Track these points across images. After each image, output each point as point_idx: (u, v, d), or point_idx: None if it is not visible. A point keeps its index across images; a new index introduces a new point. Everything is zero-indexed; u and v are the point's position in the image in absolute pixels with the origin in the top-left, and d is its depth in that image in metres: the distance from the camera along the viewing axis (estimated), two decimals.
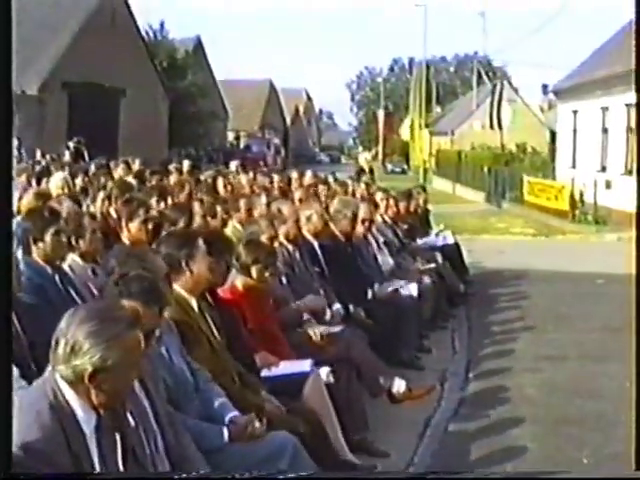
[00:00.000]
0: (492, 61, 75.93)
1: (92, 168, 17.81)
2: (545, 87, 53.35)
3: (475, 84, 59.02)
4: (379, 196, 12.41)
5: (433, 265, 11.58)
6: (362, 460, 6.44)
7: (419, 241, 13.13)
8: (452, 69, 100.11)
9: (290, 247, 7.93)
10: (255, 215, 8.71)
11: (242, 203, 9.48)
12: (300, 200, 10.69)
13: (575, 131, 29.89)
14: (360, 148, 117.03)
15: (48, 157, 21.59)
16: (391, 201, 12.09)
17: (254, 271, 6.47)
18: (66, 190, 10.50)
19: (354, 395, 6.66)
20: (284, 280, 7.40)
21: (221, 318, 5.82)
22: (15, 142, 24.25)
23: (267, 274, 6.54)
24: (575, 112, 29.81)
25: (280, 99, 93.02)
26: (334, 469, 5.42)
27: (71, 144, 26.20)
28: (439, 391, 8.50)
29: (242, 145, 61.63)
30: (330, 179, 17.47)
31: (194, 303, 5.23)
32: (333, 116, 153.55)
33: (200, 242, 5.31)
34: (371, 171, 28.11)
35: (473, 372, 9.10)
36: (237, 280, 6.51)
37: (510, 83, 58.86)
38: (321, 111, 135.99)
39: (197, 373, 4.83)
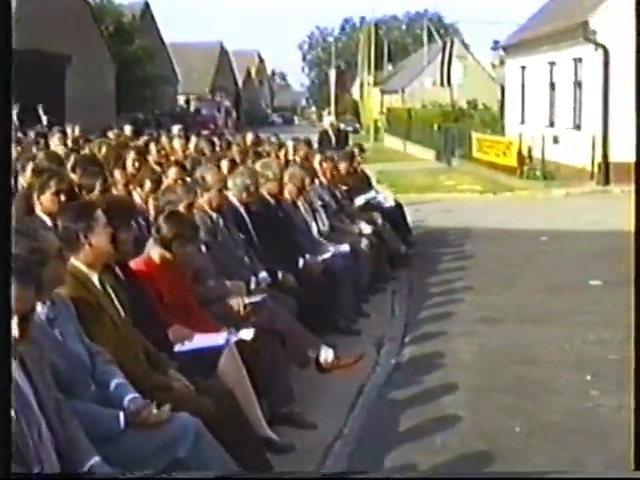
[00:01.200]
0: (444, 18, 75.66)
1: (31, 136, 17.43)
2: (496, 43, 53.13)
3: (426, 41, 58.73)
4: (317, 158, 12.15)
5: (370, 227, 11.30)
6: (289, 433, 6.29)
7: (358, 200, 12.85)
8: (403, 27, 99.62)
9: (214, 215, 7.64)
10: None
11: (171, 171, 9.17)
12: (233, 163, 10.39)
13: (523, 87, 29.69)
14: (313, 108, 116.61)
15: None
16: (329, 163, 11.79)
17: (175, 246, 6.17)
18: None
19: (279, 366, 6.42)
20: (203, 249, 7.09)
21: (131, 292, 5.55)
22: None
23: (188, 249, 6.25)
24: (523, 68, 29.59)
25: (232, 61, 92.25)
26: (249, 447, 5.15)
27: (14, 111, 25.55)
28: (375, 357, 8.34)
29: (192, 109, 60.89)
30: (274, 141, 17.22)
31: (95, 278, 4.92)
32: (286, 77, 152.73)
33: (99, 213, 4.99)
34: (339, 136, 20.92)
35: (409, 336, 8.90)
36: (153, 252, 6.23)
37: (462, 40, 58.68)
38: (274, 72, 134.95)
39: (95, 355, 4.55)
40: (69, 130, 18.56)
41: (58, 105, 34.60)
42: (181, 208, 6.79)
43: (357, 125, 72.60)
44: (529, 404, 6.68)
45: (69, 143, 14.92)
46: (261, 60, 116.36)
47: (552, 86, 27.08)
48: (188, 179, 8.73)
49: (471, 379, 7.38)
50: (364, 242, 10.77)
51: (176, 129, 19.51)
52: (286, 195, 9.60)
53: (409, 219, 16.81)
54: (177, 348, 5.65)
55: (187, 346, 5.69)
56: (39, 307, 4.27)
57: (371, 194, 13.31)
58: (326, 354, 7.19)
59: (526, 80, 29.45)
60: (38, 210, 7.02)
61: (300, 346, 6.96)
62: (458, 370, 7.66)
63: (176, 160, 11.02)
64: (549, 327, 8.91)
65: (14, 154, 11.60)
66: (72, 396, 4.25)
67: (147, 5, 56.70)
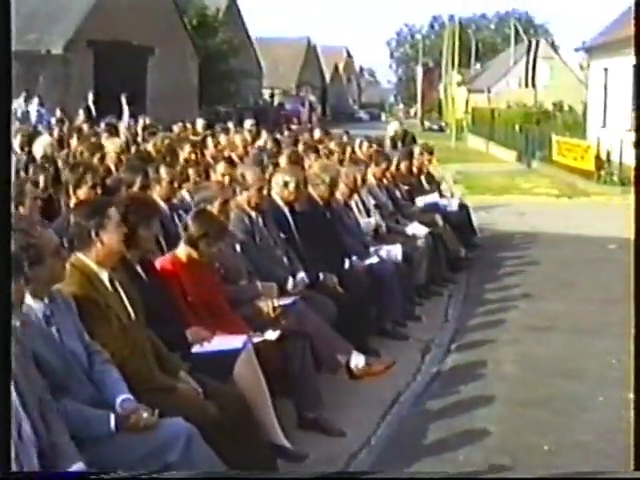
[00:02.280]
0: (533, 18, 74.62)
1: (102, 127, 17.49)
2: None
3: (513, 41, 57.98)
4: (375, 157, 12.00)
5: (426, 229, 11.07)
6: (317, 439, 6.16)
7: (420, 202, 12.62)
8: (492, 26, 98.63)
9: (252, 213, 7.53)
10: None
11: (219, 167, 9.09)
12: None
13: (606, 89, 29.08)
14: (401, 105, 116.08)
15: (58, 115, 21.25)
16: (384, 162, 11.59)
17: (201, 245, 6.09)
18: (49, 153, 10.19)
19: (307, 370, 6.29)
20: (238, 248, 6.99)
21: (152, 290, 5.50)
22: (36, 100, 24.05)
23: (215, 249, 6.15)
24: (606, 70, 28.98)
25: (319, 57, 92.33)
26: (256, 452, 5.05)
27: (90, 100, 25.87)
28: (418, 364, 8.17)
29: (276, 103, 60.99)
30: (345, 139, 17.07)
31: (104, 276, 4.85)
32: (375, 73, 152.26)
33: (112, 211, 4.91)
34: (405, 141, 18.73)
35: (456, 344, 8.71)
36: (180, 250, 6.16)
37: (552, 41, 57.83)
38: (362, 69, 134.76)
39: (93, 353, 4.49)
40: (141, 121, 18.72)
41: (140, 97, 34.88)
42: (215, 206, 6.70)
43: (442, 124, 72.14)
44: (562, 421, 6.45)
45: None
46: (349, 56, 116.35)
47: (635, 90, 26.42)
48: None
49: (508, 391, 7.17)
50: (419, 244, 10.59)
51: (248, 123, 19.40)
52: (338, 195, 9.45)
53: (480, 221, 16.63)
54: (195, 349, 5.56)
55: (205, 348, 5.59)
56: (35, 304, 4.23)
57: (432, 198, 12.93)
58: (357, 360, 6.99)
59: (609, 83, 28.83)
60: (72, 204, 7.02)
61: (330, 351, 6.80)
62: (497, 381, 7.45)
63: (225, 156, 10.91)
64: (599, 339, 8.62)
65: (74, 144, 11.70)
66: (67, 394, 4.22)
67: None
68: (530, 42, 39.27)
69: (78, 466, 3.80)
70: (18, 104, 22.67)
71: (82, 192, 6.97)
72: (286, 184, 8.12)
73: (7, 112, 3.61)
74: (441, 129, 69.46)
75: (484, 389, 7.20)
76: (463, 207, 14.15)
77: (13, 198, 6.11)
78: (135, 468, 4.07)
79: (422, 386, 7.45)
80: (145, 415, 4.22)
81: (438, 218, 12.08)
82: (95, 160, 8.64)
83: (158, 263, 6.00)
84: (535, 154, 31.41)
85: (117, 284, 4.92)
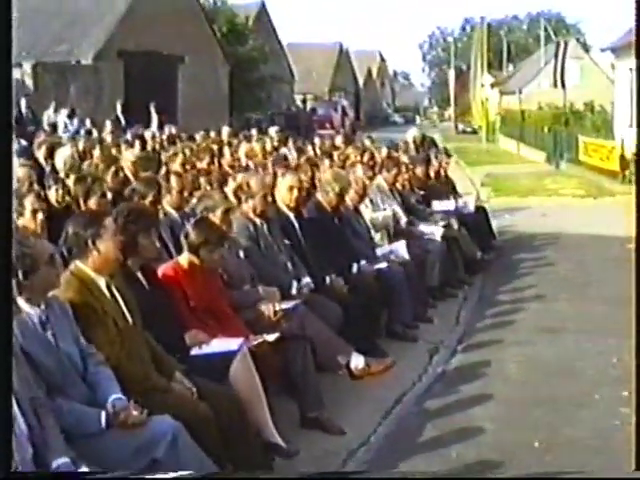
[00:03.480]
0: (565, 18, 74.33)
1: (128, 137, 17.77)
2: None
3: (543, 42, 57.86)
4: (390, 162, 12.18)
5: (440, 232, 11.22)
6: (318, 438, 6.37)
7: (435, 206, 12.75)
8: (524, 27, 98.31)
9: (257, 221, 7.75)
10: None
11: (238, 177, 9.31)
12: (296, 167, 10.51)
13: (632, 89, 29.00)
14: (435, 108, 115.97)
15: (88, 125, 21.60)
16: (395, 168, 11.74)
17: (202, 251, 6.34)
18: (68, 165, 10.38)
19: (309, 371, 6.52)
20: (241, 255, 7.21)
21: (152, 296, 5.75)
22: (66, 111, 24.41)
23: (215, 256, 6.38)
24: (631, 70, 28.91)
25: (352, 62, 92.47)
26: (250, 450, 5.29)
27: (119, 110, 26.18)
28: (425, 365, 8.34)
29: (308, 108, 61.20)
30: (368, 143, 17.28)
31: (102, 283, 5.10)
32: (409, 77, 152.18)
33: (108, 221, 5.17)
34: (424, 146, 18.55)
35: (463, 344, 8.88)
36: (182, 257, 6.40)
37: (584, 41, 57.58)
38: (395, 72, 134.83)
39: (88, 356, 4.75)
40: (166, 130, 18.99)
41: (171, 105, 35.23)
42: (218, 214, 6.93)
43: (476, 126, 71.90)
44: (556, 419, 6.59)
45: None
46: (382, 60, 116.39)
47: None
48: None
49: (508, 391, 7.33)
50: (431, 247, 10.75)
51: (273, 131, 19.63)
52: (347, 201, 9.64)
53: (503, 223, 16.80)
54: (194, 352, 5.78)
55: (203, 350, 5.81)
56: (31, 310, 4.48)
57: (446, 205, 13.03)
58: (356, 361, 7.22)
59: (635, 83, 28.76)
60: None
61: (330, 352, 7.03)
62: (499, 381, 7.61)
63: (241, 164, 11.15)
64: (605, 339, 8.73)
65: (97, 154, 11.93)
66: (62, 394, 4.48)
67: (263, 5, 57.22)
68: (558, 42, 39.14)
69: (64, 460, 4.05)
70: (47, 115, 23.01)
71: (92, 202, 7.21)
72: (290, 189, 8.33)
73: (7, 113, 3.77)
74: (474, 131, 69.23)
75: (484, 389, 7.35)
76: (480, 209, 14.31)
77: (14, 209, 6.37)
78: (124, 463, 4.34)
79: (425, 387, 7.63)
80: (134, 413, 4.47)
81: (453, 221, 12.23)
82: (110, 172, 8.83)
83: (161, 270, 6.25)
84: (563, 155, 31.42)
85: (114, 290, 5.16)
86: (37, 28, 31.61)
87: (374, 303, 8.53)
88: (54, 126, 20.78)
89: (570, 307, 10.28)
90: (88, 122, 23.79)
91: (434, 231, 11.18)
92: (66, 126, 23.38)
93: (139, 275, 5.83)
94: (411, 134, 18.85)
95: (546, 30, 58.16)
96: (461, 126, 73.65)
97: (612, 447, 5.97)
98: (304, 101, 62.81)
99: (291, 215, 8.39)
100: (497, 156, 38.84)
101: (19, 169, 8.13)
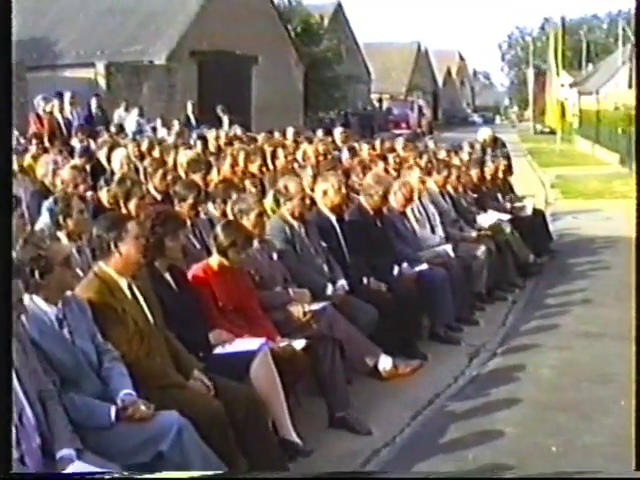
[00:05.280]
0: None
1: (194, 137, 18.00)
2: None
3: (621, 41, 57.07)
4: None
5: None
6: (345, 437, 6.51)
7: (490, 211, 12.72)
8: (604, 26, 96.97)
9: (295, 223, 7.91)
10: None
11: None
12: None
13: None
14: (515, 107, 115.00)
15: (159, 126, 21.87)
16: (445, 170, 11.79)
17: (231, 253, 6.54)
18: (125, 168, 10.57)
19: (337, 371, 6.67)
20: (275, 257, 7.38)
21: (180, 296, 5.97)
22: (137, 111, 24.78)
23: (243, 256, 6.57)
24: None
25: (431, 61, 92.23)
26: (267, 449, 5.45)
27: (189, 110, 26.40)
28: (463, 367, 8.41)
29: (384, 108, 61.12)
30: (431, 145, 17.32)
31: (123, 283, 5.34)
32: (490, 76, 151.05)
33: (131, 225, 5.41)
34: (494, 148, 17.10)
35: (503, 348, 8.93)
36: (212, 259, 6.60)
37: None
38: (475, 72, 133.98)
39: (103, 353, 4.99)
40: (231, 132, 19.19)
41: (244, 105, 35.50)
42: (251, 217, 7.11)
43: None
44: (578, 424, 6.64)
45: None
46: (462, 59, 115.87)
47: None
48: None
49: (537, 395, 7.38)
50: (481, 250, 10.78)
51: (337, 132, 19.66)
52: (393, 204, 9.74)
53: (565, 226, 16.76)
54: (217, 350, 5.97)
55: (226, 349, 6.00)
56: (49, 308, 4.72)
57: (494, 216, 12.49)
58: (384, 363, 7.36)
59: None
60: None
61: (358, 354, 7.18)
62: (530, 385, 7.66)
63: (292, 167, 11.31)
64: None
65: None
66: (76, 388, 4.74)
67: (340, 6, 57.33)
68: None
69: (67, 451, 4.29)
70: (118, 114, 23.38)
71: (132, 204, 7.45)
72: (325, 192, 8.48)
73: (7, 113, 3.93)
74: (552, 132, 68.46)
75: (514, 393, 7.41)
76: (538, 212, 14.30)
77: (60, 211, 6.63)
78: (133, 455, 4.60)
79: (458, 389, 7.71)
80: (142, 408, 4.70)
81: (505, 225, 12.24)
82: (158, 174, 9.04)
83: (192, 271, 6.47)
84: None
85: (136, 291, 5.38)
86: (110, 28, 32.22)
87: (413, 305, 8.62)
88: (121, 126, 21.11)
89: (614, 312, 10.17)
90: (158, 122, 24.07)
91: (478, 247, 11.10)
92: (139, 125, 23.76)
93: (167, 276, 6.04)
94: (482, 134, 18.69)
95: (624, 30, 57.30)
96: (539, 126, 73.01)
97: (628, 454, 6.01)
98: (380, 100, 62.64)
99: (332, 218, 8.54)
100: (571, 157, 38.48)
101: (63, 171, 8.38)
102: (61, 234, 6.66)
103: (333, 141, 16.39)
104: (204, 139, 15.86)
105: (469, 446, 6.20)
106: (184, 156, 11.03)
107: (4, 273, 3.85)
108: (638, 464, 3.50)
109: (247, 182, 9.32)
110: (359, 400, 7.01)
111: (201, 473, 4.58)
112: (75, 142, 15.52)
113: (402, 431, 6.73)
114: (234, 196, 7.56)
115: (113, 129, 18.24)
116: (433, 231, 10.58)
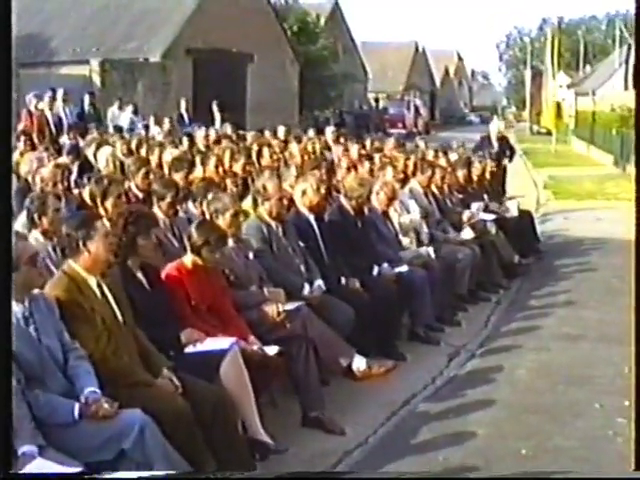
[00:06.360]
0: None
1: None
2: None
3: (618, 42, 57.11)
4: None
5: (472, 236, 11.27)
6: (319, 437, 6.52)
7: (474, 211, 12.69)
8: (603, 27, 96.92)
9: (272, 223, 7.91)
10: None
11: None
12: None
13: None
14: (513, 108, 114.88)
15: (151, 123, 21.85)
16: (429, 170, 11.76)
17: (204, 252, 6.55)
18: (110, 166, 10.58)
19: (310, 371, 6.69)
20: (251, 256, 7.39)
21: (151, 294, 5.98)
22: (131, 108, 24.76)
23: (217, 255, 6.58)
24: None
25: (429, 60, 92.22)
26: (233, 447, 5.47)
27: (182, 108, 26.37)
28: (441, 368, 8.42)
29: (380, 107, 61.13)
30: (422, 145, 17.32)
31: (92, 282, 5.35)
32: (488, 76, 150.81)
33: (100, 223, 5.42)
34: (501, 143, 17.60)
35: (482, 349, 8.94)
36: (185, 258, 6.61)
37: None
38: (474, 72, 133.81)
39: (70, 351, 5.01)
40: (220, 130, 19.20)
41: (239, 103, 35.50)
42: (227, 217, 7.12)
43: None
44: (550, 427, 6.64)
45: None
46: (460, 59, 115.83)
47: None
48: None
49: (511, 397, 7.40)
50: (464, 252, 10.78)
51: (329, 131, 19.65)
52: (375, 204, 9.74)
53: (554, 227, 16.76)
54: (188, 350, 5.98)
55: (197, 348, 6.01)
56: (15, 306, 4.73)
57: (487, 216, 12.58)
58: (358, 363, 7.38)
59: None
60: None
61: (332, 354, 7.18)
62: (506, 387, 7.68)
63: (277, 166, 11.31)
64: (623, 347, 8.69)
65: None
66: (41, 385, 4.76)
67: (337, 4, 57.33)
68: (630, 44, 38.66)
69: (29, 448, 4.34)
70: (112, 112, 23.36)
71: (109, 203, 7.45)
72: (304, 192, 8.49)
73: (7, 113, 3.95)
74: (549, 132, 68.44)
75: (489, 394, 7.42)
76: (525, 213, 14.30)
77: (36, 209, 6.65)
78: (96, 453, 4.63)
79: (433, 390, 7.72)
80: (105, 406, 4.73)
81: (490, 225, 12.25)
82: (140, 173, 9.04)
83: (166, 270, 6.47)
84: (630, 158, 31.04)
85: (105, 289, 5.39)
86: (106, 25, 32.21)
87: (392, 305, 8.62)
88: (115, 124, 21.11)
89: (596, 314, 10.24)
90: (152, 120, 24.05)
91: (464, 237, 11.17)
92: (132, 122, 23.74)
93: (139, 274, 6.05)
94: (494, 127, 18.47)
95: (622, 31, 57.35)
96: (536, 127, 72.95)
97: (598, 457, 6.04)
98: (376, 100, 62.73)
99: (311, 217, 8.53)
100: (566, 158, 38.47)
101: (44, 169, 8.38)
102: (36, 232, 6.67)
103: (325, 140, 16.36)
104: (191, 137, 15.90)
105: (439, 448, 6.22)
106: (169, 154, 11.04)
107: (4, 273, 3.86)
108: (638, 464, 3.49)
109: (228, 181, 9.31)
110: (336, 400, 7.04)
111: (165, 472, 4.60)
112: (64, 139, 15.55)
113: (375, 432, 6.74)
114: (209, 195, 7.54)
115: (110, 126, 18.24)
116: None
